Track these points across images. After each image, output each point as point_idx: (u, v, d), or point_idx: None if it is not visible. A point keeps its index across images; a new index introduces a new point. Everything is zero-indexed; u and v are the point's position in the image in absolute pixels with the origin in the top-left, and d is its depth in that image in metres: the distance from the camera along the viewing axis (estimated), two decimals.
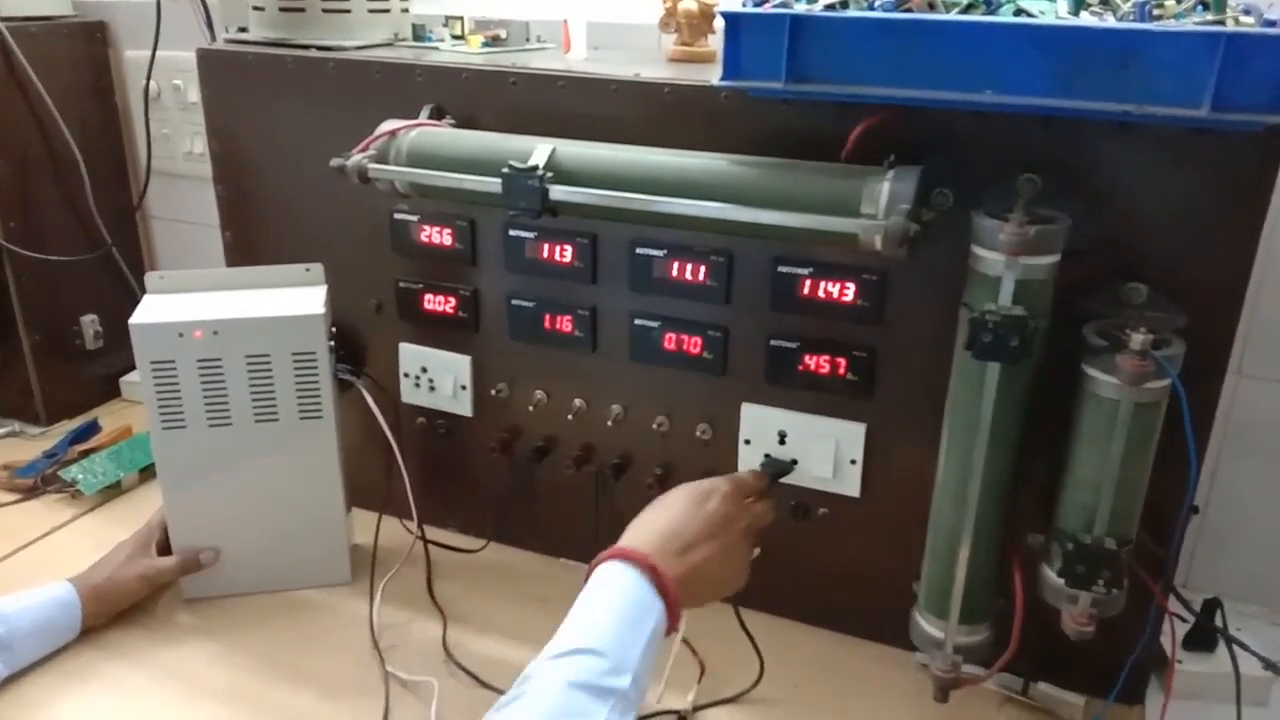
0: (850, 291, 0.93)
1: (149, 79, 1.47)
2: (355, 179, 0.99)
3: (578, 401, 1.10)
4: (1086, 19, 0.74)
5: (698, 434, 1.05)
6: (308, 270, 1.09)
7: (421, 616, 1.09)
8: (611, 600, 0.69)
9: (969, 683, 0.89)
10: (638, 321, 1.04)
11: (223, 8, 1.33)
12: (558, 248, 1.04)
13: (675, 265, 0.99)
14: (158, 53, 1.43)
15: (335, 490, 1.11)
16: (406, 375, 1.18)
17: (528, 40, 1.21)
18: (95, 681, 0.98)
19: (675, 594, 0.71)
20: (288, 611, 1.09)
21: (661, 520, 0.77)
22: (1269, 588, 1.12)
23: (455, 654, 1.02)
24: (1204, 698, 0.98)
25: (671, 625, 0.71)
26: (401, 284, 1.14)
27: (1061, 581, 0.82)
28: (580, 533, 1.13)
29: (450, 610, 1.09)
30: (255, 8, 1.16)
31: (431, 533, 1.16)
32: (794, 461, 1.00)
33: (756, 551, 0.85)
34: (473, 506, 1.21)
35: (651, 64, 1.06)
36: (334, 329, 1.07)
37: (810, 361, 0.97)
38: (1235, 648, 0.91)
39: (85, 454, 1.36)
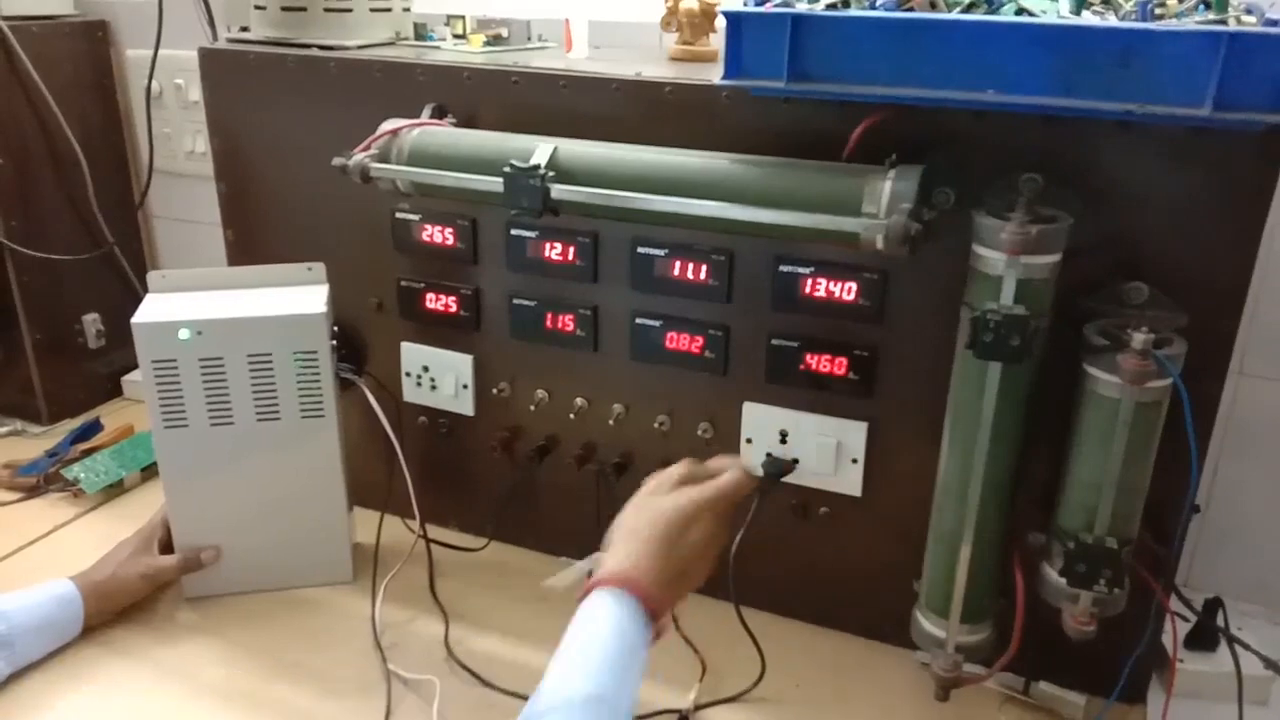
0: (851, 291, 0.93)
1: (151, 78, 1.47)
2: (357, 178, 0.99)
3: (579, 400, 1.10)
4: (1088, 18, 0.74)
5: (699, 433, 1.05)
6: (309, 269, 1.09)
7: (423, 615, 1.09)
8: (613, 639, 0.69)
9: (970, 681, 0.89)
10: (639, 320, 1.04)
11: (225, 7, 1.33)
12: (559, 247, 1.04)
13: (676, 264, 0.99)
14: (160, 52, 1.43)
15: (337, 489, 1.11)
16: (408, 374, 1.18)
17: (529, 39, 1.21)
18: (97, 680, 0.98)
19: (664, 623, 0.73)
20: (289, 610, 1.09)
21: (653, 543, 0.75)
22: (1270, 587, 1.12)
23: (457, 652, 1.03)
24: (1205, 697, 0.98)
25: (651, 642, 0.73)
26: (403, 283, 1.14)
27: (1063, 581, 0.82)
28: (582, 532, 1.13)
29: (452, 609, 1.09)
30: (257, 7, 1.16)
31: (433, 531, 1.16)
32: (795, 460, 1.01)
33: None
34: (474, 505, 1.21)
35: (653, 63, 1.06)
36: (336, 328, 1.07)
37: (811, 360, 0.97)
38: (1236, 647, 0.91)
39: (87, 453, 1.36)
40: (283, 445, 1.07)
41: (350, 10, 1.15)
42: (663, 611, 0.72)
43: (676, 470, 0.81)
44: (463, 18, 1.17)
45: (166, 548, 1.09)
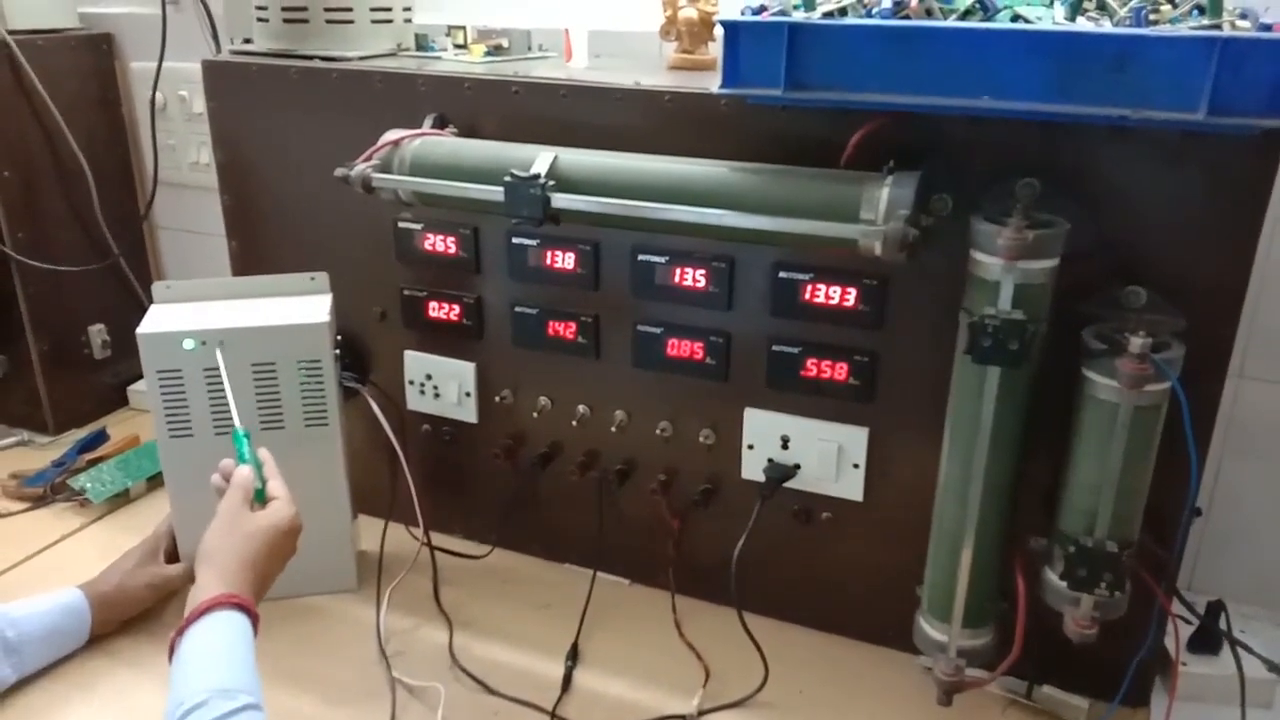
0: (851, 297, 0.93)
1: (155, 90, 1.48)
2: (359, 188, 1.00)
3: (581, 408, 1.11)
4: (1083, 24, 0.75)
5: (701, 439, 1.06)
6: (313, 279, 1.10)
7: (427, 622, 1.09)
8: (238, 646, 0.81)
9: (972, 686, 0.89)
10: (640, 328, 1.04)
11: (227, 19, 1.34)
12: (560, 255, 1.04)
13: (677, 271, 1.00)
14: (163, 64, 1.44)
15: (341, 497, 1.12)
16: (411, 382, 1.18)
17: (529, 49, 1.22)
18: (103, 690, 0.99)
19: (257, 614, 0.84)
20: (294, 618, 1.09)
21: (254, 564, 0.87)
22: (1273, 589, 1.12)
23: (461, 659, 1.03)
24: (1208, 700, 0.97)
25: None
26: (406, 292, 1.15)
27: (1064, 584, 0.82)
28: (585, 538, 1.14)
29: (456, 616, 1.09)
30: (260, 19, 1.17)
31: (437, 539, 1.16)
32: (796, 466, 1.01)
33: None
34: (478, 513, 1.21)
35: (652, 72, 1.06)
36: (339, 337, 1.08)
37: (812, 366, 0.97)
38: (1239, 650, 0.91)
39: (93, 463, 1.37)
40: (287, 454, 1.06)
41: (352, 21, 1.16)
42: (255, 604, 0.85)
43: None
44: (463, 28, 1.18)
45: (172, 557, 1.10)
